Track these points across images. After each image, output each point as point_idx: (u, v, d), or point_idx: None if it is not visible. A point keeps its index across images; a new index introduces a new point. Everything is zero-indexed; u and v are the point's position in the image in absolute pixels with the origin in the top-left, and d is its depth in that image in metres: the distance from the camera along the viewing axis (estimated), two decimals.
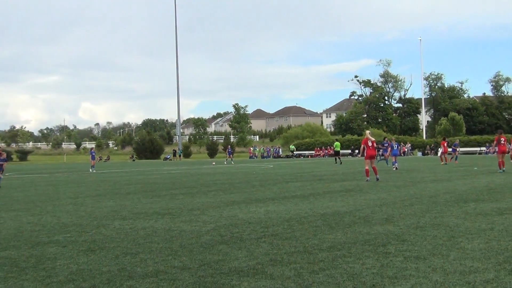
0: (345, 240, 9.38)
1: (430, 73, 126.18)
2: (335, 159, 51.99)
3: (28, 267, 7.92)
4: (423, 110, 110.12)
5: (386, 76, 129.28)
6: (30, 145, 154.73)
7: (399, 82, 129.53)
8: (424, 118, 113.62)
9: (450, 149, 49.19)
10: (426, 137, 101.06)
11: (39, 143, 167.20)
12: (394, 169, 33.89)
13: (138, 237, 10.26)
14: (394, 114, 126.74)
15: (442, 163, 41.58)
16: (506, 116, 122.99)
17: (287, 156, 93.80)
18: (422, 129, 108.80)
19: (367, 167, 24.30)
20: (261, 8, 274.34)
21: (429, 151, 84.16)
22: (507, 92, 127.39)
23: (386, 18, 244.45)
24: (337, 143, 54.41)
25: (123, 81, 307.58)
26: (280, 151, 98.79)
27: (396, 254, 8.09)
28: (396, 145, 37.99)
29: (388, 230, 10.33)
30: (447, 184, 21.08)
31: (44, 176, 39.67)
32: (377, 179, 23.64)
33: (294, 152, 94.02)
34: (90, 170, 45.87)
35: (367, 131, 25.74)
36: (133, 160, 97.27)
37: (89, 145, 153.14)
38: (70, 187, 25.55)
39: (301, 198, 17.17)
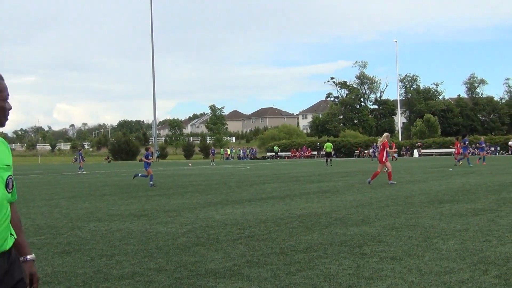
0: (321, 241, 9.40)
1: (406, 75, 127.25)
2: (326, 160, 50.20)
3: None
4: (398, 111, 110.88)
5: (362, 78, 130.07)
6: None
7: (375, 84, 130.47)
8: (399, 119, 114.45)
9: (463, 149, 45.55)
10: (401, 139, 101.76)
11: (13, 145, 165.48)
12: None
13: (114, 239, 10.20)
14: (370, 116, 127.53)
15: (460, 163, 39.76)
16: (481, 117, 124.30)
17: (263, 158, 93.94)
18: (398, 131, 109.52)
19: (390, 170, 23.08)
20: (238, 9, 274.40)
21: (404, 153, 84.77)
22: (482, 94, 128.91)
23: (362, 20, 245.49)
24: (328, 144, 51.61)
25: (99, 82, 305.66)
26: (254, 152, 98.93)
27: (372, 255, 8.13)
28: None
29: (364, 231, 10.37)
30: (423, 185, 21.23)
31: (18, 177, 39.28)
32: (368, 182, 22.86)
33: (278, 153, 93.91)
34: (83, 172, 45.36)
35: (387, 134, 24.23)
36: (109, 162, 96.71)
37: (64, 146, 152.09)
38: (44, 189, 25.33)
39: (277, 199, 17.18)
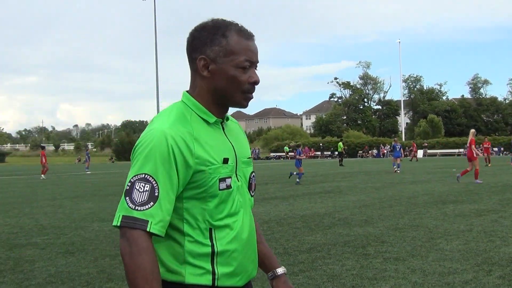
0: (324, 241, 9.39)
1: (409, 75, 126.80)
2: (340, 160, 48.33)
3: (6, 269, 7.85)
4: (402, 112, 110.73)
5: (365, 78, 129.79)
6: (8, 146, 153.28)
7: (378, 84, 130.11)
8: (403, 120, 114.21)
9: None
10: (405, 139, 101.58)
11: (17, 145, 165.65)
12: (398, 171, 32.16)
13: (117, 239, 10.18)
14: (373, 116, 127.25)
15: (490, 164, 38.68)
16: (484, 118, 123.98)
17: (267, 158, 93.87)
18: (401, 131, 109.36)
19: (477, 167, 22.31)
20: (240, 10, 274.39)
21: (408, 153, 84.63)
22: (485, 94, 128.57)
23: (365, 20, 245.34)
24: (340, 144, 49.67)
25: (102, 83, 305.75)
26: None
27: (375, 255, 8.12)
28: (398, 147, 34.89)
29: (368, 231, 10.37)
30: (426, 186, 21.20)
31: (22, 177, 39.36)
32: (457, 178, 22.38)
33: (288, 154, 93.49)
34: (88, 172, 45.34)
35: (474, 131, 23.52)
36: (113, 162, 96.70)
37: (68, 147, 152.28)
38: (48, 189, 25.35)
39: (280, 199, 17.18)
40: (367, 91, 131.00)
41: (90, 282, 6.97)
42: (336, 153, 53.40)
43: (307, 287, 6.52)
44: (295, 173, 26.04)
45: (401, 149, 35.29)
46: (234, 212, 2.25)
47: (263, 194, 19.18)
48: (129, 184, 2.18)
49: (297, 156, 26.02)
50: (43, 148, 44.60)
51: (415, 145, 70.50)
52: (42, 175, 36.36)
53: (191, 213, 2.19)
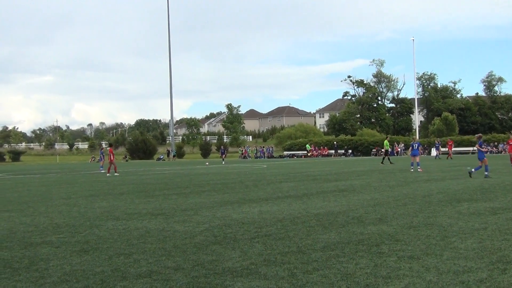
0: (338, 240, 9.38)
1: (423, 73, 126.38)
2: (383, 158, 46.61)
3: (21, 268, 7.89)
4: (416, 110, 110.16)
5: (379, 76, 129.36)
6: (23, 145, 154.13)
7: (392, 82, 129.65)
8: (417, 118, 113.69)
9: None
10: (419, 137, 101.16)
11: (31, 144, 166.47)
12: (418, 170, 31.63)
13: (132, 238, 10.24)
14: (387, 114, 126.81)
15: None
16: (499, 116, 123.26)
17: (280, 156, 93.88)
18: (415, 129, 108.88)
19: None
20: (254, 8, 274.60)
21: (422, 151, 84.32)
22: (500, 92, 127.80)
23: (379, 18, 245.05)
24: (386, 141, 47.19)
25: (116, 82, 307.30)
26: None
27: (389, 254, 8.10)
28: (416, 145, 33.63)
29: (382, 230, 10.34)
30: (440, 184, 21.11)
31: (36, 176, 39.54)
32: None
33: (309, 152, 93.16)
34: (102, 170, 45.43)
35: None
36: (126, 161, 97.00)
37: (82, 145, 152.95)
38: (62, 188, 25.45)
39: (294, 198, 17.16)
40: (381, 89, 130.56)
41: (104, 281, 7.00)
42: (382, 150, 52.23)
43: (321, 285, 6.51)
44: (473, 170, 25.12)
45: (419, 147, 34.26)
46: None
47: (277, 193, 19.18)
48: None
49: (480, 148, 25.14)
50: (111, 145, 44.97)
51: (451, 142, 68.06)
52: (116, 173, 38.50)
53: None
